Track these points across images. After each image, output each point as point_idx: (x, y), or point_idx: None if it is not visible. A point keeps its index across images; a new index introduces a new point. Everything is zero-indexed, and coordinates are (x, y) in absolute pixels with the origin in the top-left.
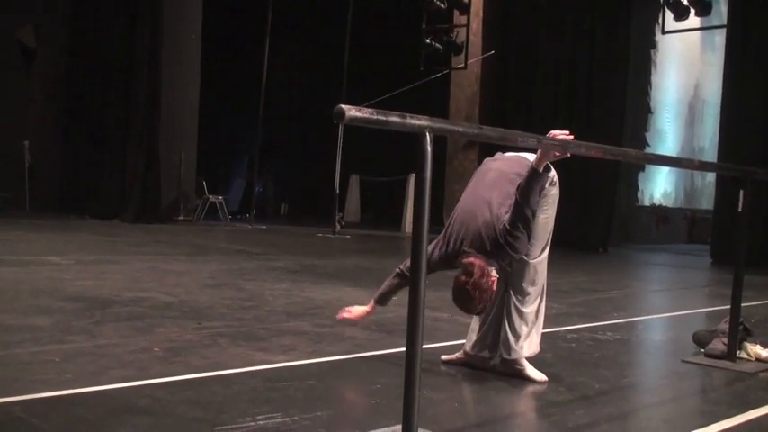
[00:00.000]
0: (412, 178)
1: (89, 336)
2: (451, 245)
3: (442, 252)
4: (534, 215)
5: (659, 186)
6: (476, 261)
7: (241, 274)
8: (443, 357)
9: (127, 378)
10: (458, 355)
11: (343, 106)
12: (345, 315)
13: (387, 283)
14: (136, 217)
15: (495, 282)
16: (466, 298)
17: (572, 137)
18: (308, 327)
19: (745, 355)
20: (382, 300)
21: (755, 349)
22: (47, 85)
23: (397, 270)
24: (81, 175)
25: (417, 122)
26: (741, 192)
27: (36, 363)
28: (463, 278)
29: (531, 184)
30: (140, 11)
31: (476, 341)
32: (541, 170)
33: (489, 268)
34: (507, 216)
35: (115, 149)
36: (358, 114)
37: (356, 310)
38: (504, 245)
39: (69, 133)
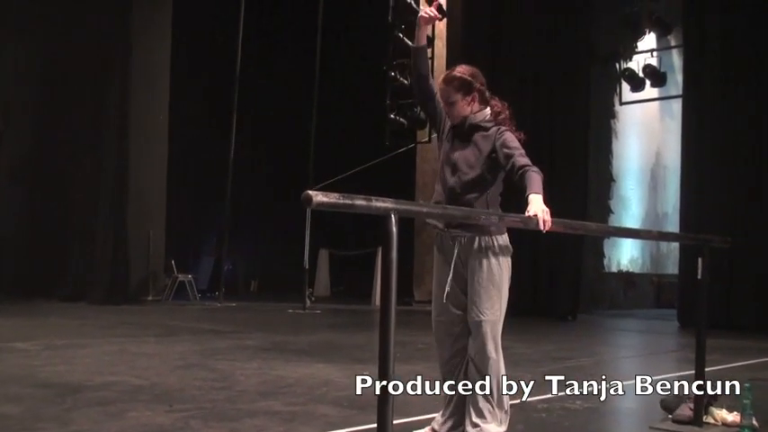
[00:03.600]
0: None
1: (60, 423)
2: None
3: None
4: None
5: (626, 252)
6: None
7: (212, 354)
8: None
9: None
10: (426, 430)
11: (310, 192)
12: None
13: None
14: (104, 298)
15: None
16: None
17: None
18: (279, 406)
19: (711, 420)
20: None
21: (721, 414)
22: (12, 165)
23: None
24: (48, 257)
25: (382, 205)
26: (699, 259)
27: None
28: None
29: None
30: (108, 91)
31: (445, 418)
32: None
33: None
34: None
35: (82, 230)
36: (325, 200)
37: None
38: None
39: (35, 214)
